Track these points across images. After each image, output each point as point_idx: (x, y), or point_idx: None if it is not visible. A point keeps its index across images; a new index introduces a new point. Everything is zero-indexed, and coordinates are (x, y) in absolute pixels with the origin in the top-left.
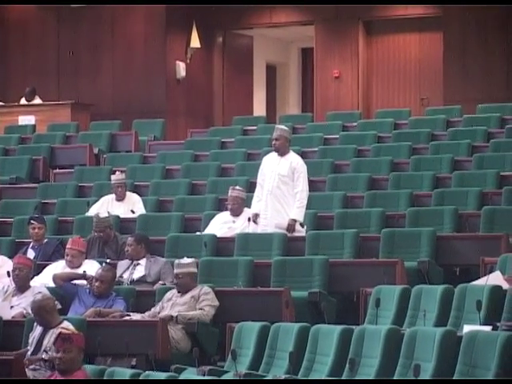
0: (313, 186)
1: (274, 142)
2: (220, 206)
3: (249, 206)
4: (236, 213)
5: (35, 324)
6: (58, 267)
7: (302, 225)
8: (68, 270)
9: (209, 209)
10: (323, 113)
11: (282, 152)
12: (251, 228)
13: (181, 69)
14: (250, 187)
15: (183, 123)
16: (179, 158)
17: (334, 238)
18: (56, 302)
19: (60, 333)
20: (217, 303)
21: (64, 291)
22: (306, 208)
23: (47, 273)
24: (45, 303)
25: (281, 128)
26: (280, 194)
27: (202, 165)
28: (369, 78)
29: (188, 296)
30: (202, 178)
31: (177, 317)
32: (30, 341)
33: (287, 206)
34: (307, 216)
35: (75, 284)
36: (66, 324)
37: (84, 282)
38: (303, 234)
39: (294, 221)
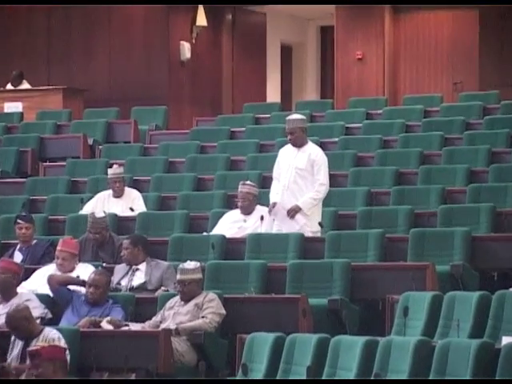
0: (333, 180)
1: (289, 138)
2: (229, 204)
3: (261, 203)
4: (247, 211)
5: (14, 341)
6: (49, 271)
7: (320, 224)
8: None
9: (217, 206)
10: (345, 99)
11: (300, 144)
12: (264, 228)
13: (185, 50)
14: (263, 182)
15: (188, 111)
16: (184, 149)
17: (357, 239)
18: (46, 311)
19: (28, 351)
20: (223, 311)
21: (58, 296)
22: (325, 205)
23: (36, 278)
24: (22, 314)
25: (293, 119)
26: (297, 189)
27: (208, 157)
28: (395, 60)
29: (191, 304)
30: (208, 171)
31: (176, 329)
32: (8, 361)
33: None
34: (326, 214)
35: (71, 290)
36: (47, 331)
37: (82, 289)
38: (319, 234)
39: (299, 208)
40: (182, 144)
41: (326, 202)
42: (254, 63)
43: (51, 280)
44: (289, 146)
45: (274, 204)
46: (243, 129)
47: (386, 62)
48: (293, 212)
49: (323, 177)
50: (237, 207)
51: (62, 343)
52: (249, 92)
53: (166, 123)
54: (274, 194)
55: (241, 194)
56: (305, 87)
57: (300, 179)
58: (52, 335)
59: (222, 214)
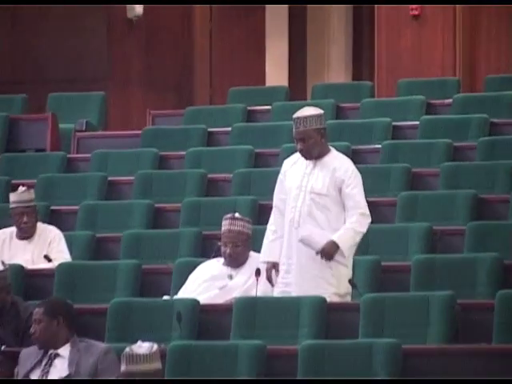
0: (373, 213)
1: (298, 147)
2: (204, 249)
3: (256, 249)
4: (236, 261)
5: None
6: None
7: (352, 283)
8: None
9: (185, 254)
10: (391, 81)
11: (317, 154)
12: (261, 288)
13: (135, 5)
14: (260, 215)
15: (139, 99)
16: (132, 162)
17: (411, 305)
18: None
19: None
20: None
21: None
22: (362, 251)
23: None
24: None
25: (305, 116)
26: (314, 225)
27: (171, 174)
28: (475, 19)
29: None
30: (172, 198)
31: None
32: None
33: None
34: (361, 266)
35: None
36: None
37: None
38: (349, 297)
39: (336, 246)
40: (130, 154)
41: (364, 246)
42: (244, 24)
43: None
44: (299, 158)
45: (273, 266)
46: (228, 129)
47: (457, 22)
48: (328, 253)
49: (363, 203)
50: (217, 255)
51: None
52: (237, 70)
53: (104, 120)
54: (270, 243)
55: (226, 234)
56: (327, 63)
57: (318, 210)
58: None
59: (194, 264)
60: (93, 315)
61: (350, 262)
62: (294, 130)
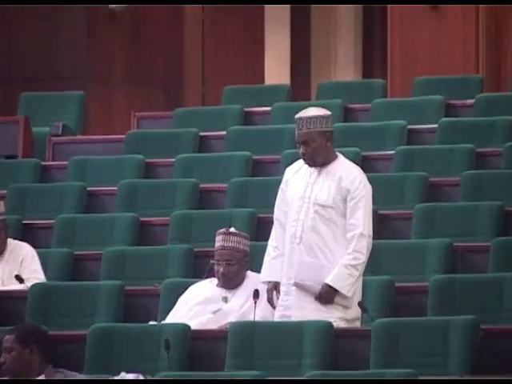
0: (386, 226)
1: (301, 151)
2: (195, 269)
3: (254, 268)
4: (231, 282)
5: None
6: None
7: (362, 306)
8: None
9: (173, 273)
10: (406, 79)
11: (322, 161)
12: (260, 312)
13: None
14: (258, 230)
15: (122, 100)
16: (114, 169)
17: (427, 330)
18: None
19: None
20: None
21: None
22: (373, 270)
23: None
24: None
25: (308, 116)
26: (317, 242)
27: (159, 184)
28: (499, 11)
29: None
30: (159, 210)
31: None
32: None
33: (335, 265)
34: (371, 286)
35: None
36: None
37: None
38: (358, 322)
39: (333, 290)
40: (112, 161)
41: (373, 265)
42: (241, 15)
43: None
44: (302, 165)
45: (274, 287)
46: (222, 133)
47: (482, 11)
48: (325, 297)
49: (363, 221)
50: (210, 275)
51: None
52: (232, 67)
53: (83, 123)
54: (271, 261)
55: (219, 251)
56: (334, 59)
57: (323, 224)
58: None
59: (184, 286)
60: (70, 343)
61: (358, 286)
62: (296, 132)
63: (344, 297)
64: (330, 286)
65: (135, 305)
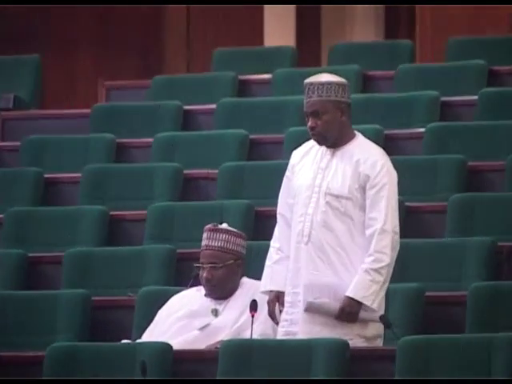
0: (415, 221)
1: (310, 124)
2: (178, 274)
3: (251, 274)
4: (218, 290)
5: None
6: None
7: (385, 322)
8: None
9: (151, 280)
10: (438, 40)
11: (335, 140)
12: (259, 327)
13: None
14: (256, 226)
15: (88, 66)
16: (78, 152)
17: (465, 350)
18: None
19: None
20: None
21: None
22: (398, 276)
23: None
24: None
25: (321, 82)
26: (331, 240)
27: (134, 170)
28: None
29: None
30: (133, 202)
31: None
32: None
33: (352, 269)
34: (398, 295)
35: None
36: None
37: None
38: (380, 341)
39: (357, 303)
40: (75, 141)
41: (398, 270)
42: None
43: None
44: (312, 147)
45: (277, 298)
46: (212, 106)
47: None
48: (347, 313)
49: (385, 214)
50: (196, 283)
51: None
52: (223, 26)
53: (39, 94)
54: (272, 265)
55: (203, 252)
56: (350, 15)
57: (336, 219)
58: None
59: (165, 295)
60: (25, 366)
61: (374, 295)
62: (304, 101)
63: (366, 309)
64: (353, 299)
65: (104, 319)
